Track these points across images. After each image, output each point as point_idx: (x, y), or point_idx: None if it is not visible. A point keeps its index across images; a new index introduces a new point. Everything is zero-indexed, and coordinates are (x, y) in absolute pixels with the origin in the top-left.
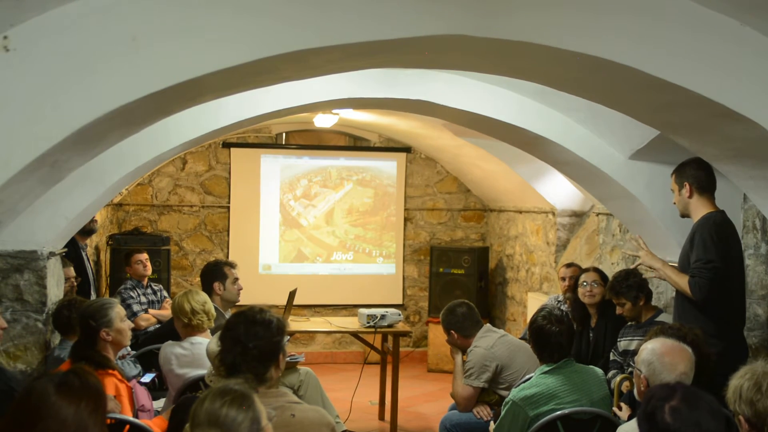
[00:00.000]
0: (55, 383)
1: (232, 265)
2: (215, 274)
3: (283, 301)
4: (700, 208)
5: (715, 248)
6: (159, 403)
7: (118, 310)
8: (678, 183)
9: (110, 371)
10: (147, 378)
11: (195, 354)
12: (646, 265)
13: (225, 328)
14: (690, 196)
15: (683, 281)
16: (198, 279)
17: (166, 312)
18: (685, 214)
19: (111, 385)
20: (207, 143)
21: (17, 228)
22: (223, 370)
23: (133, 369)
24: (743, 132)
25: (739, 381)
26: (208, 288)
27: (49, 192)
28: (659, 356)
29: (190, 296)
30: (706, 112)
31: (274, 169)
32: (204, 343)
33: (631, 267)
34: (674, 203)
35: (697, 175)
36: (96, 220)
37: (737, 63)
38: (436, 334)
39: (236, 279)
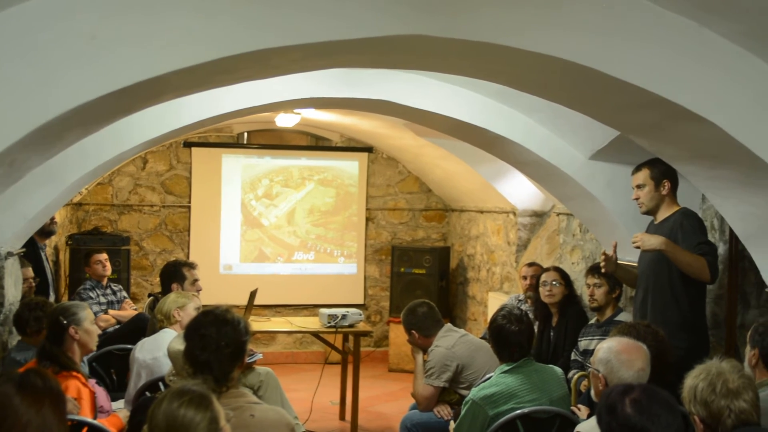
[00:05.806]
0: (16, 384)
1: (191, 266)
2: (174, 275)
3: (244, 301)
4: (670, 205)
5: (706, 234)
6: (117, 404)
7: (88, 313)
8: (655, 179)
9: (74, 373)
10: None
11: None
12: (650, 246)
13: (193, 327)
14: (667, 193)
15: (696, 260)
16: (158, 279)
17: (125, 313)
18: (650, 211)
19: (74, 387)
20: (168, 142)
21: None
22: (191, 369)
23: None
24: (701, 132)
25: (693, 381)
26: (166, 289)
27: (7, 191)
28: (616, 354)
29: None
30: (664, 112)
31: (236, 169)
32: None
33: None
34: (636, 199)
35: (674, 173)
36: (56, 221)
37: (695, 64)
38: (397, 333)
39: (195, 280)
